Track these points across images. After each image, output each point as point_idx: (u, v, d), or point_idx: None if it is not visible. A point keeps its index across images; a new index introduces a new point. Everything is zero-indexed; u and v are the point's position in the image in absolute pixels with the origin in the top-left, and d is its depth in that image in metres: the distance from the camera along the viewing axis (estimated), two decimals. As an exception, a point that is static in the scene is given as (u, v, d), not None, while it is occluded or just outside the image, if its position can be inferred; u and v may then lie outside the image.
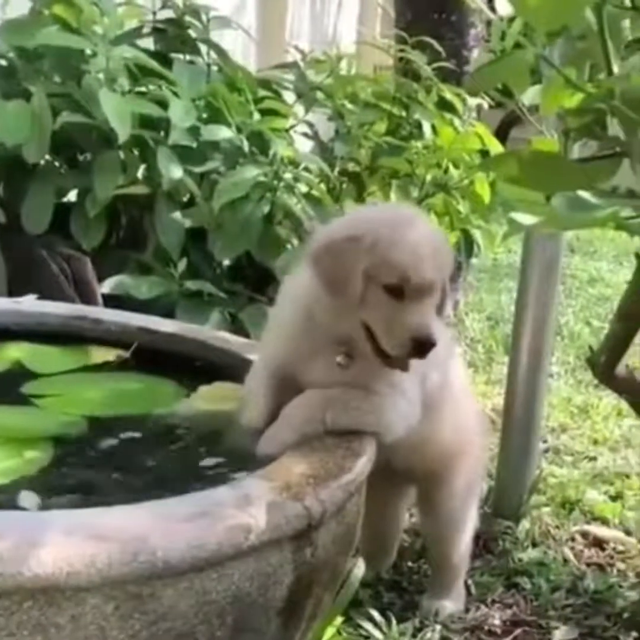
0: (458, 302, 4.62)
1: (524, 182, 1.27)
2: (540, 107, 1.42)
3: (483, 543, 2.38)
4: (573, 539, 2.49)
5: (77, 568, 1.12)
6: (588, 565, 2.37)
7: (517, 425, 2.62)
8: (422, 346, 1.54)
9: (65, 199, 2.81)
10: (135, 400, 1.74)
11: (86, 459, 1.51)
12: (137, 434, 1.60)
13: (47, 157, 2.73)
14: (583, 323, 4.68)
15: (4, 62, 2.75)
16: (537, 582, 2.25)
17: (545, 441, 3.08)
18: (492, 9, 1.56)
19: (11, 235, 2.64)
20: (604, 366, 1.61)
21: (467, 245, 3.61)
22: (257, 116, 2.95)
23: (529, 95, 1.49)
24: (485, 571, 2.28)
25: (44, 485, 1.39)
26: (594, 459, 3.03)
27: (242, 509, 1.26)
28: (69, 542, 1.14)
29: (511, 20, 1.46)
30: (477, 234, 3.57)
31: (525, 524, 2.49)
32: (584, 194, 1.06)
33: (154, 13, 3.10)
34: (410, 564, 2.27)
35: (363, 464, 1.49)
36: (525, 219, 1.07)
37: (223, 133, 2.77)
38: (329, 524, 1.39)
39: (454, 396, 1.88)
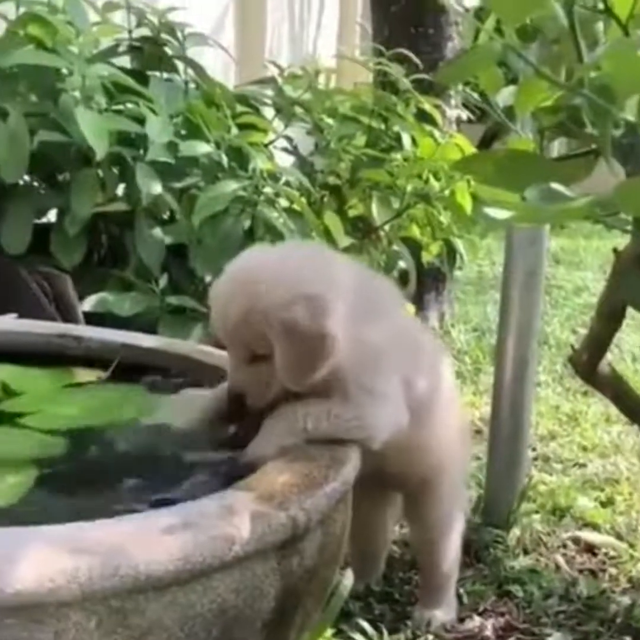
0: (444, 314, 4.62)
1: (499, 182, 1.26)
2: (515, 106, 1.42)
3: (474, 552, 2.36)
4: (564, 546, 2.47)
5: (59, 583, 1.10)
6: (580, 571, 2.36)
7: (504, 433, 2.61)
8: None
9: (45, 219, 2.80)
10: (113, 412, 1.72)
11: (67, 475, 1.49)
12: (117, 446, 1.59)
13: (26, 177, 2.71)
14: (569, 332, 4.68)
15: (-21, 83, 2.74)
16: (530, 590, 2.23)
17: (534, 449, 3.08)
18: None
19: (-9, 256, 2.63)
20: (586, 365, 1.60)
21: (450, 256, 3.61)
22: (235, 131, 2.95)
23: (503, 96, 1.49)
24: (477, 580, 2.26)
25: (25, 503, 1.37)
26: (583, 465, 3.02)
27: (225, 520, 1.24)
28: (49, 557, 1.12)
29: (479, 15, 1.45)
30: (459, 244, 3.58)
31: (515, 531, 2.48)
32: (557, 186, 1.05)
33: (130, 31, 3.09)
34: (401, 574, 2.25)
35: (348, 473, 1.47)
36: (499, 214, 1.06)
37: (201, 148, 2.76)
38: (315, 534, 1.37)
39: (444, 402, 1.87)
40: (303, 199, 3.00)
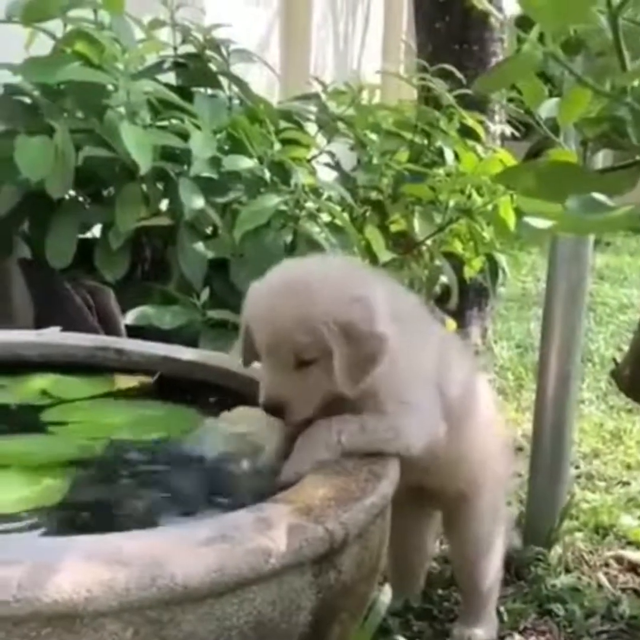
0: (486, 330, 4.59)
1: (541, 194, 1.25)
2: (558, 117, 1.40)
3: (515, 570, 2.33)
4: (607, 564, 2.44)
5: (96, 593, 1.10)
6: (623, 590, 2.32)
7: (546, 450, 2.58)
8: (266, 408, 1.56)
9: (89, 234, 2.82)
10: (156, 426, 1.73)
11: (105, 484, 1.50)
12: (156, 459, 1.59)
13: (71, 192, 2.74)
14: (614, 349, 4.63)
15: (27, 100, 2.78)
16: (571, 609, 2.20)
17: (577, 467, 3.04)
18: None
19: (36, 269, 2.66)
20: (627, 379, 1.58)
21: (492, 271, 3.59)
22: (278, 146, 2.96)
23: (547, 108, 1.48)
24: (518, 598, 2.23)
25: (62, 510, 1.38)
26: (627, 483, 2.98)
27: (262, 532, 1.24)
28: (87, 567, 1.12)
29: (522, 24, 1.44)
30: (502, 260, 3.56)
31: (557, 549, 2.45)
32: (599, 196, 1.04)
33: (175, 48, 3.12)
34: (440, 591, 2.23)
35: (385, 487, 1.46)
36: (539, 223, 1.05)
37: (244, 163, 2.77)
38: (352, 548, 1.36)
39: (480, 418, 1.86)
40: (345, 214, 3.01)
